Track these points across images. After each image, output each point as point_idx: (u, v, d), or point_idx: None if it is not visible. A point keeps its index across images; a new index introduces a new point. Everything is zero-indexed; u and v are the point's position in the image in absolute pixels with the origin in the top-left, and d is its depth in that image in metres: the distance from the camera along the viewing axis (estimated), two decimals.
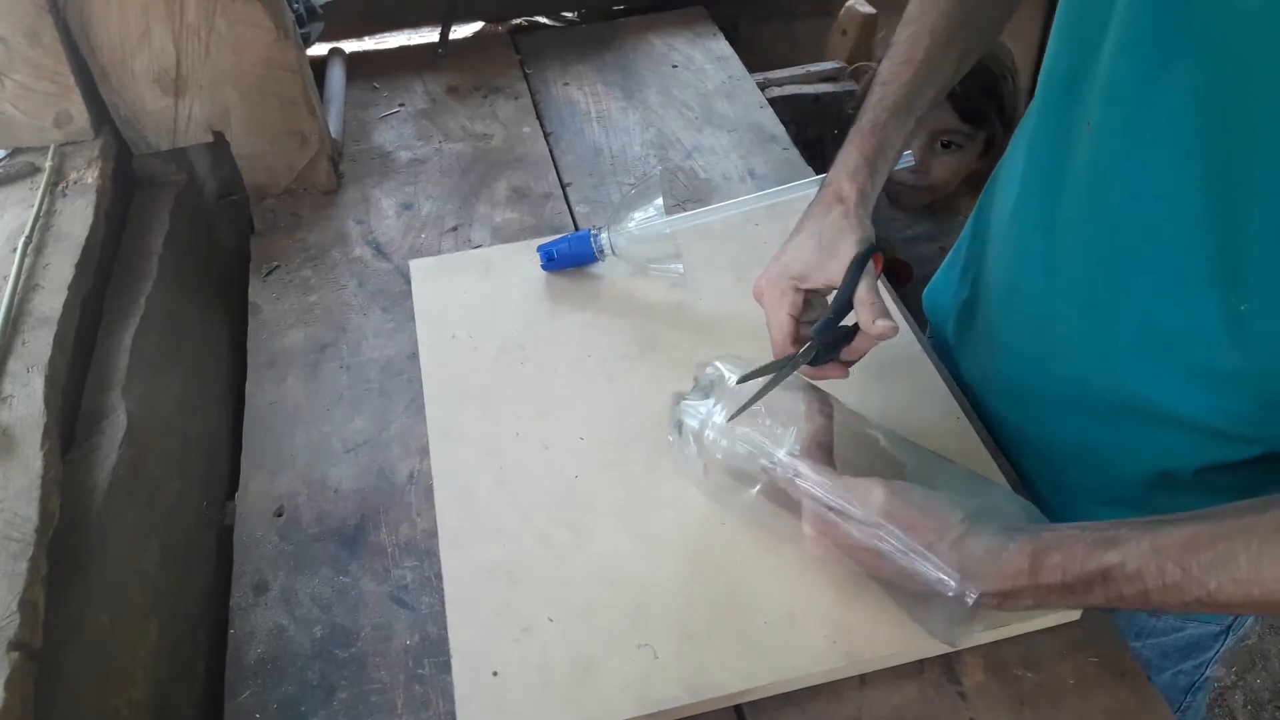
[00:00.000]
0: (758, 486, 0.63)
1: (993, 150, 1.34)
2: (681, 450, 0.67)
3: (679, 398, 0.68)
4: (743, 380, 0.65)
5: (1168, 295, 0.59)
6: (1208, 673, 0.82)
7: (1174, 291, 0.58)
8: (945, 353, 0.87)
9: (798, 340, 0.69)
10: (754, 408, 0.63)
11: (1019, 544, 0.53)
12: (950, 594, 0.54)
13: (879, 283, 0.67)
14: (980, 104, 1.26)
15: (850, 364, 0.69)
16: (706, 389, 0.67)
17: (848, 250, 0.66)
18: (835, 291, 0.67)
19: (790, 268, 0.69)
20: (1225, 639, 0.79)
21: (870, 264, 0.66)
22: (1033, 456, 0.76)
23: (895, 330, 0.64)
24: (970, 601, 0.54)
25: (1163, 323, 0.60)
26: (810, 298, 0.69)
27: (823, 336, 0.67)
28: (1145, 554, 0.50)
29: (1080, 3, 0.60)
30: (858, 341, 0.67)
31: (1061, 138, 0.63)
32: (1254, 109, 0.49)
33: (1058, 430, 0.73)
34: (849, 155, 0.71)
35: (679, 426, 0.67)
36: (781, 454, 0.61)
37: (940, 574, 0.55)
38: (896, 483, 0.58)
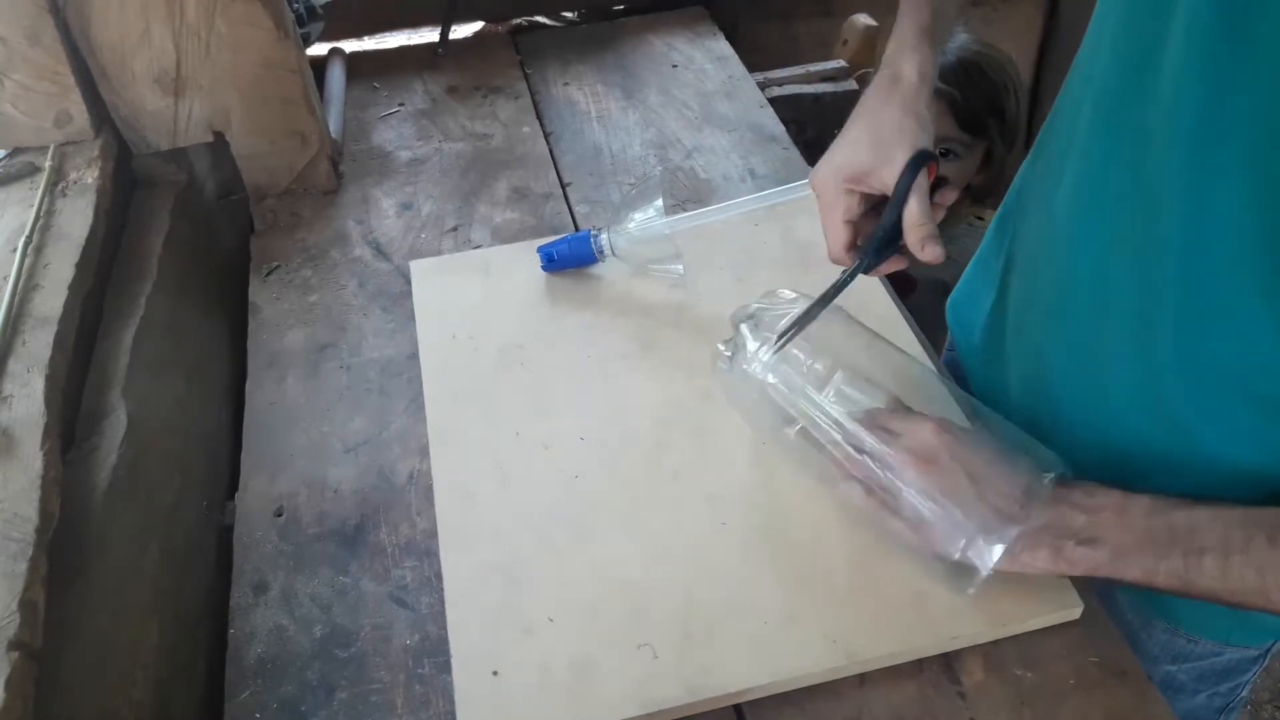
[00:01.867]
0: (799, 425, 0.65)
1: (992, 163, 1.34)
2: (730, 381, 0.69)
3: (726, 334, 0.70)
4: (781, 336, 0.66)
5: (1223, 320, 0.56)
6: (1243, 694, 0.80)
7: (1231, 317, 0.56)
8: (969, 365, 0.85)
9: (853, 246, 0.67)
10: (795, 349, 0.65)
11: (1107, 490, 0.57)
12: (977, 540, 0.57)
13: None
14: (981, 114, 1.25)
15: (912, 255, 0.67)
16: (750, 326, 0.69)
17: (903, 155, 0.63)
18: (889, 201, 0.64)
19: (844, 168, 0.66)
20: (1263, 661, 0.77)
21: (922, 175, 0.63)
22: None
23: (943, 257, 0.62)
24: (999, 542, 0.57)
25: (1217, 350, 0.57)
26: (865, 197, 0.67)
27: (874, 251, 0.65)
28: (1230, 520, 0.52)
29: (1131, 18, 0.57)
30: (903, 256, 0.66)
31: (1116, 154, 0.60)
32: None
33: (1098, 458, 0.67)
34: (904, 29, 0.66)
35: (728, 360, 0.69)
36: (826, 404, 0.64)
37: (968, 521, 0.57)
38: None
